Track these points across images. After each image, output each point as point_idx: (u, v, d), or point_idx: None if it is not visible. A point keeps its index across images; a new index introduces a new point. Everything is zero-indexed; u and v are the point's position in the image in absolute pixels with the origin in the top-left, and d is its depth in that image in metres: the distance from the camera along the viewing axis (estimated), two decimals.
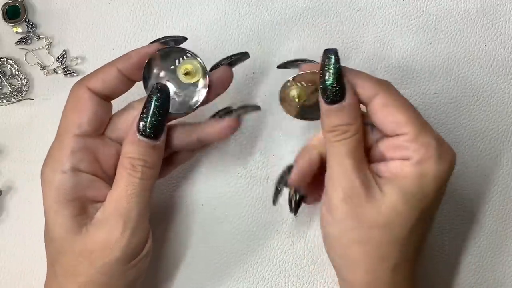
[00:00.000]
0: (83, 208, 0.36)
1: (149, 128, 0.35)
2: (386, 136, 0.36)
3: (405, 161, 0.34)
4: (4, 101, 0.45)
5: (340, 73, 0.34)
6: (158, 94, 0.35)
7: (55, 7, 0.47)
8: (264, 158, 0.45)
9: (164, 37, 0.39)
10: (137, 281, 0.37)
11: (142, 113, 0.35)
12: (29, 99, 0.46)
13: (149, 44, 0.38)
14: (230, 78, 0.39)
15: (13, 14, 0.46)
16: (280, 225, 0.45)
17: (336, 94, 0.34)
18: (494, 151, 0.46)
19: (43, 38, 0.46)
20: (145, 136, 0.35)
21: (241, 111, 0.40)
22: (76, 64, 0.46)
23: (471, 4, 0.47)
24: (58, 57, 0.46)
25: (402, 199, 0.34)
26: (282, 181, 0.39)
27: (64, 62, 0.46)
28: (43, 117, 0.46)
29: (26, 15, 0.46)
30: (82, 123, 0.36)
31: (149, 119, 0.35)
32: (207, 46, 0.46)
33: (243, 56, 0.40)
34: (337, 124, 0.35)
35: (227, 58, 0.40)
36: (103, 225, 0.35)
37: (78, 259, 0.35)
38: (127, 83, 0.38)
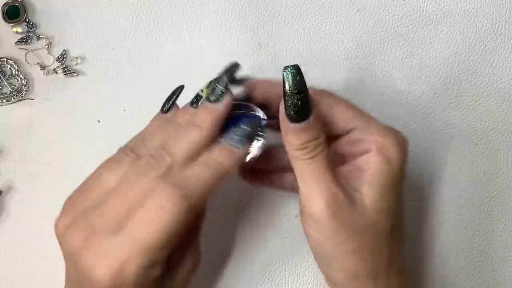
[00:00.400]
0: None
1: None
2: (338, 136, 0.36)
3: (367, 154, 0.35)
4: (4, 101, 0.45)
5: (305, 91, 0.33)
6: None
7: (55, 7, 0.47)
8: None
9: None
10: None
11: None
12: (29, 99, 0.46)
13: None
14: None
15: (13, 14, 0.46)
16: (280, 224, 0.45)
17: (303, 112, 0.33)
18: (493, 151, 0.46)
19: (43, 38, 0.46)
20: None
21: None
22: (76, 64, 0.46)
23: (471, 4, 0.47)
24: (58, 57, 0.46)
25: (379, 195, 0.34)
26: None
27: (64, 62, 0.46)
28: (43, 117, 0.46)
29: (26, 15, 0.46)
30: (165, 247, 0.32)
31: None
32: (207, 46, 0.46)
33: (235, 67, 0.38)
34: (307, 140, 0.33)
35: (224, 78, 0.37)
36: None
37: None
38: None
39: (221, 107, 0.34)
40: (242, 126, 0.35)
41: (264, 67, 0.46)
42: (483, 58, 0.46)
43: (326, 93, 0.36)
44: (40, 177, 0.45)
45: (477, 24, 0.47)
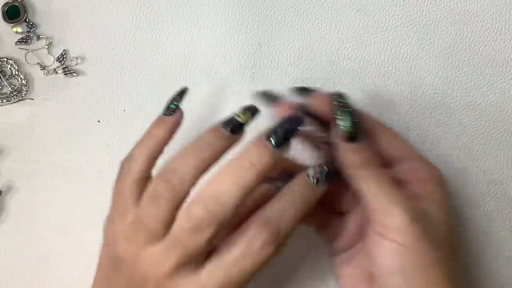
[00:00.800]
0: None
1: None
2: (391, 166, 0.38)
3: (422, 180, 0.36)
4: (4, 101, 0.45)
5: (355, 113, 0.35)
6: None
7: (55, 7, 0.47)
8: None
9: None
10: None
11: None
12: (29, 99, 0.46)
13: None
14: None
15: (13, 14, 0.46)
16: None
17: (358, 132, 0.35)
18: (494, 151, 0.46)
19: (43, 38, 0.46)
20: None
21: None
22: (76, 64, 0.46)
23: (471, 4, 0.47)
24: (58, 57, 0.46)
25: (445, 213, 0.35)
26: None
27: (64, 62, 0.46)
28: (43, 117, 0.46)
29: (26, 15, 0.46)
30: None
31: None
32: (207, 46, 0.46)
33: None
34: (367, 158, 0.35)
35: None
36: None
37: None
38: None
39: (281, 153, 0.34)
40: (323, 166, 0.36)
41: (264, 67, 0.46)
42: (483, 58, 0.46)
43: (383, 128, 0.38)
44: (40, 177, 0.45)
45: (477, 24, 0.47)
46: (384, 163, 0.36)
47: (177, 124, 0.37)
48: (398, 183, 0.36)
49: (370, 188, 0.34)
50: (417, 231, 0.33)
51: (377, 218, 0.34)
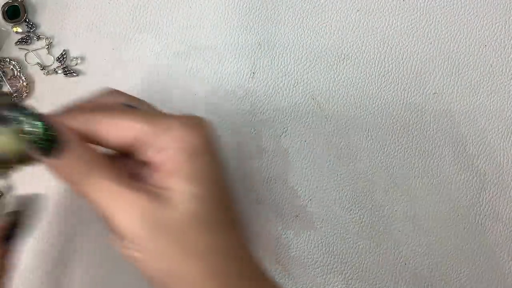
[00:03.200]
0: None
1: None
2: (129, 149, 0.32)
3: (157, 151, 0.30)
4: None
5: (48, 124, 0.30)
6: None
7: (55, 7, 0.47)
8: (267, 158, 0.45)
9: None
10: None
11: None
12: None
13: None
14: None
15: (13, 14, 0.46)
16: (280, 224, 0.45)
17: (52, 143, 0.30)
18: (494, 151, 0.46)
19: (43, 38, 0.46)
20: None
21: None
22: (76, 64, 0.46)
23: (471, 4, 0.47)
24: (58, 57, 0.46)
25: (188, 182, 0.30)
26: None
27: (64, 62, 0.46)
28: None
29: (26, 15, 0.46)
30: None
31: None
32: (207, 47, 0.46)
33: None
34: (74, 167, 0.30)
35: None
36: None
37: None
38: None
39: None
40: None
41: (264, 67, 0.46)
42: (483, 58, 0.46)
43: (100, 111, 0.32)
44: (40, 177, 0.45)
45: (477, 24, 0.47)
46: (119, 148, 0.31)
47: None
48: (139, 177, 0.31)
49: (94, 197, 0.30)
50: (151, 237, 0.29)
51: (114, 231, 0.30)
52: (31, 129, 0.29)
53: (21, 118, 0.30)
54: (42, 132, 0.29)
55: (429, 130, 0.45)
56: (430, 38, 0.46)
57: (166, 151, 0.30)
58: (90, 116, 0.31)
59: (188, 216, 0.30)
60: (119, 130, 0.31)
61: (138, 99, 0.35)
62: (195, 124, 0.31)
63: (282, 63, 0.46)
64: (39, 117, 0.30)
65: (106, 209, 0.30)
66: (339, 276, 0.44)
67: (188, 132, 0.31)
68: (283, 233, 0.45)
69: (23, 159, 0.31)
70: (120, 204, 0.29)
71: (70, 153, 0.30)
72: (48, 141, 0.29)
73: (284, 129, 0.45)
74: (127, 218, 0.29)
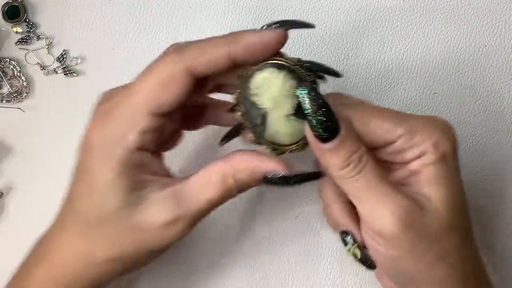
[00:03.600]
0: (141, 185, 0.32)
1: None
2: (381, 147, 0.33)
3: (421, 155, 0.32)
4: (4, 101, 0.45)
5: (327, 107, 0.30)
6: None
7: (55, 7, 0.47)
8: None
9: (284, 22, 0.32)
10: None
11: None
12: (18, 108, 0.46)
13: (271, 28, 0.32)
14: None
15: (13, 14, 0.46)
16: (280, 224, 0.45)
17: (332, 130, 0.30)
18: (494, 151, 0.46)
19: (43, 38, 0.46)
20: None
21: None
22: (76, 64, 0.46)
23: (471, 4, 0.47)
24: (58, 57, 0.46)
25: (445, 192, 0.31)
26: (355, 247, 0.36)
27: (64, 62, 0.46)
28: (43, 117, 0.46)
29: (26, 15, 0.46)
30: (164, 104, 0.32)
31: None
32: None
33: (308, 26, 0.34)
34: (347, 156, 0.31)
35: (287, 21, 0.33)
36: (165, 208, 0.32)
37: (125, 232, 0.32)
38: (232, 72, 0.32)
39: None
40: None
41: None
42: (483, 58, 0.46)
43: (358, 106, 0.33)
44: (40, 177, 0.45)
45: (477, 24, 0.47)
46: (374, 146, 0.33)
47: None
48: (389, 168, 0.33)
49: (354, 191, 0.32)
50: (409, 240, 0.31)
51: (367, 223, 0.32)
52: (315, 115, 0.30)
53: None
54: (323, 120, 0.30)
55: None
56: (430, 38, 0.46)
57: (425, 156, 0.32)
58: (362, 111, 0.33)
59: (443, 222, 0.31)
60: (373, 127, 0.32)
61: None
62: (446, 128, 0.33)
63: None
64: (323, 104, 0.30)
65: (365, 205, 0.32)
66: (340, 276, 0.44)
67: (442, 137, 0.32)
68: (283, 233, 0.45)
69: (298, 144, 0.33)
70: (383, 203, 0.31)
71: (343, 143, 0.31)
72: (327, 128, 0.30)
73: None
74: (388, 217, 0.31)
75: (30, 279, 0.34)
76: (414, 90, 0.46)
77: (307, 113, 0.30)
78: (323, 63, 0.35)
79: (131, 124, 0.32)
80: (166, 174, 0.34)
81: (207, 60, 0.31)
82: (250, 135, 0.33)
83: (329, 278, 0.44)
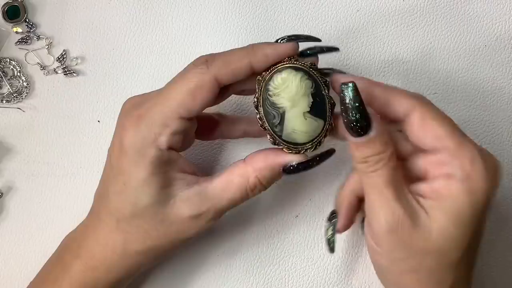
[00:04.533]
0: (170, 182, 0.36)
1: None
2: (425, 152, 0.34)
3: (450, 179, 0.33)
4: (4, 101, 0.45)
5: (362, 105, 0.32)
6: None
7: (55, 7, 0.47)
8: None
9: (296, 36, 0.37)
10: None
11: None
12: (18, 108, 0.46)
13: (285, 42, 0.36)
14: None
15: (13, 14, 0.46)
16: (280, 224, 0.45)
17: (362, 127, 0.33)
18: (494, 151, 0.45)
19: (43, 38, 0.46)
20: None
21: (302, 39, 0.37)
22: (76, 64, 0.46)
23: (471, 5, 0.47)
24: (58, 57, 0.46)
25: (453, 222, 0.32)
26: (331, 229, 0.40)
27: (64, 62, 0.46)
28: (43, 117, 0.46)
29: (26, 15, 0.46)
30: (193, 110, 0.35)
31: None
32: (206, 47, 0.46)
33: (334, 50, 0.38)
34: (368, 155, 0.33)
35: (316, 48, 0.38)
36: (191, 204, 0.36)
37: (155, 226, 0.36)
38: (252, 80, 0.36)
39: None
40: None
41: None
42: (483, 58, 0.46)
43: (420, 100, 0.35)
44: (40, 177, 0.45)
45: (477, 24, 0.47)
46: (414, 150, 0.35)
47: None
48: (422, 175, 0.34)
49: (365, 184, 0.35)
50: (389, 244, 0.33)
51: (366, 212, 0.35)
52: (352, 111, 0.32)
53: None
54: (359, 115, 0.32)
55: None
56: (429, 38, 0.46)
57: (452, 182, 0.33)
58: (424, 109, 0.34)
59: (434, 248, 0.33)
60: (434, 135, 0.34)
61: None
62: (493, 169, 0.33)
63: None
64: (358, 98, 0.32)
65: (369, 200, 0.34)
66: (339, 276, 0.44)
67: (482, 178, 0.32)
68: (283, 233, 0.45)
69: (313, 142, 0.35)
70: (381, 206, 0.33)
71: (371, 142, 0.33)
72: (358, 125, 0.33)
73: None
74: (380, 219, 0.33)
75: (68, 270, 0.37)
76: (414, 90, 0.45)
77: (347, 107, 0.32)
78: (321, 65, 0.36)
79: (163, 127, 0.35)
80: (193, 171, 0.38)
81: (231, 71, 0.35)
82: (268, 137, 0.35)
83: (329, 278, 0.44)
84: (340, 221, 0.39)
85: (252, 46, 0.36)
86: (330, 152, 0.36)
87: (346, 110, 0.32)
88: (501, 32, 0.46)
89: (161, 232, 0.36)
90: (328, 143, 0.36)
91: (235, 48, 0.36)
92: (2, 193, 0.45)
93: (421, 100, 0.35)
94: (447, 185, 0.33)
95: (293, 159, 0.35)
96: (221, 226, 0.44)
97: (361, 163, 0.34)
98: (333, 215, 0.40)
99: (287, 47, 0.36)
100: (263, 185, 0.36)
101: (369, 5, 0.46)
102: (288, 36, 0.37)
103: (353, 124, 0.33)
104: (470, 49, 0.46)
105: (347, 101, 0.32)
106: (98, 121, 0.46)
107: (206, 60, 0.36)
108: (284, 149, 0.36)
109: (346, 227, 0.39)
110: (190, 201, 0.36)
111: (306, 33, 0.46)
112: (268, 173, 0.36)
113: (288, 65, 0.35)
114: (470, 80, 0.46)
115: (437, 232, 0.33)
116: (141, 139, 0.35)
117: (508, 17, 0.47)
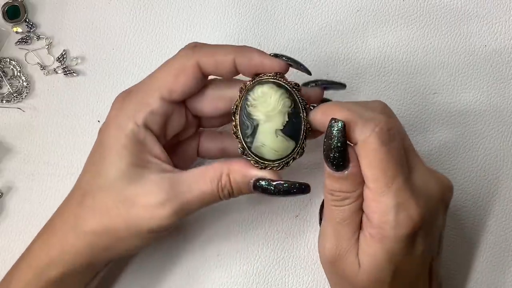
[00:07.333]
0: (142, 163, 0.36)
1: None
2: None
3: (369, 224, 0.34)
4: (4, 101, 0.45)
5: (343, 147, 0.33)
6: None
7: (55, 7, 0.47)
8: None
9: (291, 59, 0.37)
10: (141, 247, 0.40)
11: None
12: (18, 108, 0.46)
13: (275, 57, 0.36)
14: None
15: (13, 14, 0.46)
16: (280, 224, 0.45)
17: (339, 163, 0.33)
18: (494, 151, 0.46)
19: (43, 38, 0.46)
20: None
21: (325, 83, 0.38)
22: (76, 64, 0.46)
23: (471, 4, 0.47)
24: (58, 57, 0.46)
25: (374, 265, 0.34)
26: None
27: (64, 62, 0.46)
28: (43, 117, 0.46)
29: (26, 15, 0.46)
30: (174, 91, 0.36)
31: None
32: None
33: (340, 86, 0.39)
34: (337, 189, 0.34)
35: (322, 81, 0.39)
36: (160, 189, 0.35)
37: (117, 203, 0.35)
38: (234, 75, 0.37)
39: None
40: None
41: None
42: (483, 58, 0.46)
43: (370, 137, 0.33)
44: (40, 177, 0.45)
45: (477, 24, 0.47)
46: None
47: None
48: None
49: (325, 212, 0.36)
50: (327, 267, 0.37)
51: (319, 240, 0.37)
52: (334, 149, 0.33)
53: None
54: (338, 154, 0.33)
55: (429, 130, 0.45)
56: (430, 38, 0.46)
57: (369, 225, 0.34)
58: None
59: (359, 286, 0.35)
60: (365, 170, 0.34)
61: None
62: (407, 222, 0.33)
63: None
64: (342, 139, 0.33)
65: (324, 229, 0.36)
66: None
67: (393, 227, 0.33)
68: (283, 233, 0.45)
69: (280, 162, 0.36)
70: (330, 236, 0.35)
71: (342, 180, 0.34)
72: (338, 160, 0.33)
73: None
74: (327, 246, 0.36)
75: (29, 249, 0.38)
76: (414, 90, 0.46)
77: (330, 141, 0.33)
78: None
79: (143, 105, 0.36)
80: (168, 162, 0.37)
81: (214, 60, 0.36)
82: (238, 145, 0.36)
83: None
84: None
85: (242, 46, 0.37)
86: (303, 190, 0.36)
87: (329, 145, 0.33)
88: (501, 32, 0.46)
89: (122, 211, 0.35)
90: (299, 167, 0.37)
91: (228, 44, 0.37)
92: (2, 193, 0.45)
93: (373, 133, 0.33)
94: (368, 229, 0.34)
95: (267, 176, 0.36)
96: (221, 226, 0.44)
97: (328, 193, 0.35)
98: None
99: (275, 62, 0.36)
100: (232, 189, 0.36)
101: (369, 5, 0.46)
102: (314, 81, 0.38)
103: (331, 158, 0.33)
104: (470, 49, 0.46)
105: (331, 138, 0.33)
106: (98, 121, 0.46)
107: (195, 45, 0.37)
108: (251, 162, 0.36)
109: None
110: (158, 186, 0.35)
111: (306, 33, 0.46)
112: (240, 178, 0.36)
113: (272, 79, 0.35)
114: (470, 80, 0.46)
115: (362, 272, 0.34)
116: (122, 114, 0.36)
117: (508, 17, 0.47)
